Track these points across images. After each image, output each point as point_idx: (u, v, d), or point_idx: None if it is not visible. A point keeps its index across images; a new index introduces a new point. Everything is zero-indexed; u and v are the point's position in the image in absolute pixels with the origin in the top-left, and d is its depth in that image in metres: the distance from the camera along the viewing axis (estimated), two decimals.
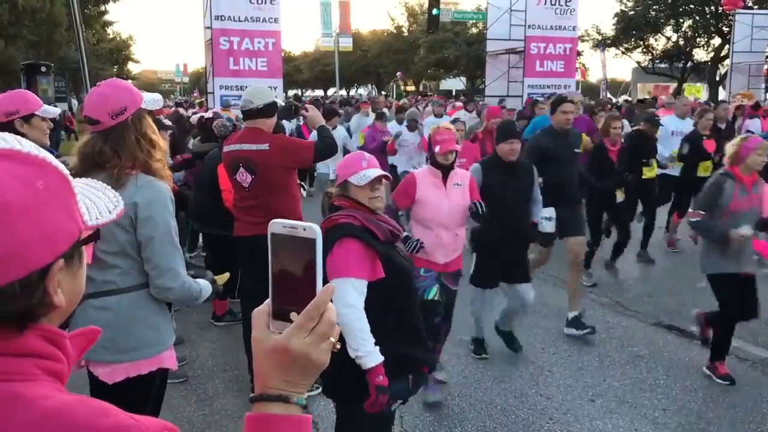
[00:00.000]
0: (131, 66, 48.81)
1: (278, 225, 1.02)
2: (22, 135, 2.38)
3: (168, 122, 6.56)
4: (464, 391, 4.85)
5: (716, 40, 33.73)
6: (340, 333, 1.06)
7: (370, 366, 2.74)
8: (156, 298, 2.75)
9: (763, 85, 21.05)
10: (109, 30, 42.86)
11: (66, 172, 0.93)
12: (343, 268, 2.76)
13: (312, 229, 1.00)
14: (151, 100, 2.83)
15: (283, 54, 18.59)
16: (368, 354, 2.74)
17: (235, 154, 4.55)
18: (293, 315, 1.01)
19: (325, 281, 1.06)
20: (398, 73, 39.47)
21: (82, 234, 0.95)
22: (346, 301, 2.74)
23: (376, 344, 2.76)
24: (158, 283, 2.69)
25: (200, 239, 8.07)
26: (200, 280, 2.91)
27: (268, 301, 1.05)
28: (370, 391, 2.74)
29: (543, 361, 5.36)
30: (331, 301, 1.03)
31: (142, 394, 2.73)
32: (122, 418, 0.88)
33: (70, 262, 0.94)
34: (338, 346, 1.05)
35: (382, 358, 2.75)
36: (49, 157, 0.91)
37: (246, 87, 8.37)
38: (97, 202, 1.01)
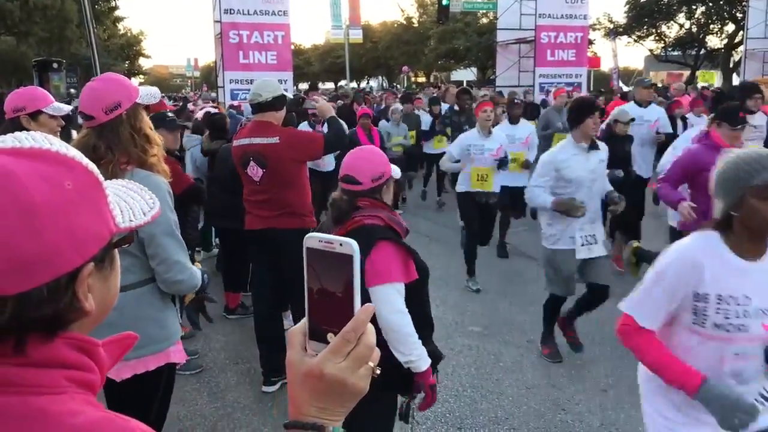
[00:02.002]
0: (142, 61, 49.04)
1: (314, 239, 0.95)
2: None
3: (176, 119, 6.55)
4: (475, 382, 4.85)
5: (730, 27, 33.35)
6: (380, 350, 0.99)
7: (424, 369, 2.74)
8: (160, 293, 2.76)
9: None
10: (120, 25, 43.03)
11: (96, 172, 0.90)
12: (385, 273, 2.66)
13: (349, 244, 0.93)
14: (148, 94, 2.81)
15: (293, 47, 18.59)
16: (420, 357, 2.73)
17: (246, 148, 4.55)
18: (330, 336, 0.94)
19: (362, 291, 0.98)
20: (404, 68, 39.30)
21: (114, 237, 0.92)
22: (393, 307, 2.67)
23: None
24: (167, 278, 2.70)
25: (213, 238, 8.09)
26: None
27: (304, 320, 0.98)
28: (424, 391, 2.76)
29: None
30: (372, 319, 0.95)
31: (150, 389, 2.74)
32: None
33: (101, 266, 0.91)
34: (377, 372, 0.98)
35: (430, 360, 2.76)
36: (79, 156, 0.88)
37: (256, 80, 8.42)
38: (132, 203, 0.97)
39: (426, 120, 11.39)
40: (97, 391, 0.92)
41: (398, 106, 11.05)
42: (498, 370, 5.04)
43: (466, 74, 48.17)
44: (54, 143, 0.87)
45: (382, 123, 10.86)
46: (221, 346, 5.68)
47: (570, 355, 5.26)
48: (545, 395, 4.64)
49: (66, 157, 0.86)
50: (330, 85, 52.50)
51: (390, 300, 2.66)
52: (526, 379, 4.88)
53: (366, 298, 1.01)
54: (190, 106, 14.24)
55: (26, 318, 0.81)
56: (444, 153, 7.63)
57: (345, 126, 4.90)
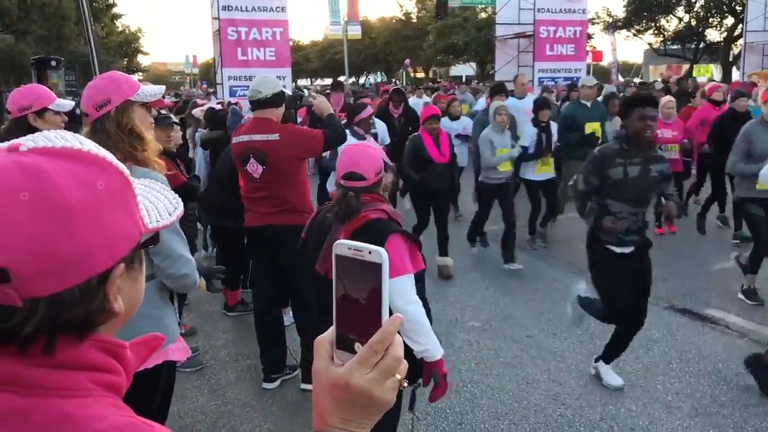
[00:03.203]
0: (141, 58, 48.96)
1: (343, 247, 0.93)
2: (36, 129, 2.39)
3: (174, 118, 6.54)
4: (475, 378, 4.85)
5: (729, 20, 33.30)
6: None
7: (438, 358, 2.80)
8: (159, 291, 2.75)
9: None
10: (118, 23, 42.96)
11: (126, 171, 0.89)
12: (399, 265, 2.68)
13: (378, 253, 0.91)
14: (149, 92, 2.81)
15: (291, 43, 18.58)
16: (435, 346, 2.79)
17: (245, 145, 4.55)
18: (357, 346, 0.92)
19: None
20: (406, 61, 39.27)
21: (143, 237, 0.91)
22: (409, 298, 2.71)
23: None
24: (173, 273, 2.69)
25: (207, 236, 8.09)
26: None
27: (332, 329, 0.96)
28: (437, 380, 2.81)
29: (555, 347, 5.34)
30: (398, 332, 0.93)
31: (149, 388, 2.74)
32: None
33: (130, 266, 0.91)
34: (405, 384, 0.95)
35: (442, 350, 2.82)
36: (110, 156, 0.88)
37: (254, 77, 8.39)
38: (156, 203, 0.97)
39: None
40: (122, 394, 0.91)
41: (499, 102, 8.04)
42: (498, 366, 5.04)
43: (465, 69, 48.14)
44: (85, 143, 0.86)
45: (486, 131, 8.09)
46: (221, 343, 5.69)
47: (571, 351, 5.26)
48: (545, 390, 4.65)
49: (97, 156, 0.86)
50: (329, 81, 52.38)
51: (405, 291, 2.71)
52: (526, 374, 4.89)
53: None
54: (198, 101, 14.24)
55: (58, 319, 0.81)
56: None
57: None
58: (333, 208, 2.84)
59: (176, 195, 1.02)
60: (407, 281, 2.72)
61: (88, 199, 0.81)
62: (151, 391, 2.76)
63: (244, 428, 4.27)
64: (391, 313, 0.92)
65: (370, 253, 0.91)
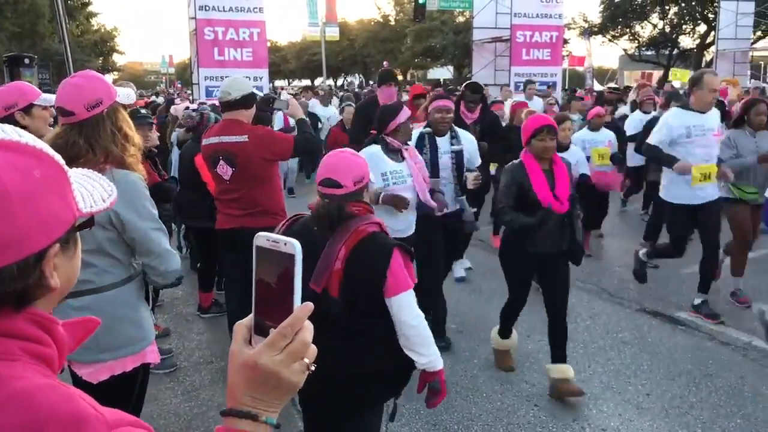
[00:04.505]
0: (116, 57, 48.36)
1: (262, 238, 1.01)
2: (24, 127, 2.37)
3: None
4: (450, 379, 4.85)
5: (702, 27, 33.80)
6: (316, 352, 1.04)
7: (440, 367, 2.82)
8: (136, 293, 2.76)
9: (748, 72, 21.15)
10: (94, 21, 42.44)
11: (62, 161, 0.97)
12: (403, 281, 2.68)
13: (292, 244, 0.98)
14: (125, 94, 2.81)
15: (268, 44, 18.52)
16: (437, 356, 2.82)
17: (215, 147, 4.53)
18: (272, 331, 0.99)
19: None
20: (384, 63, 39.36)
21: (77, 221, 1.00)
22: (414, 312, 2.72)
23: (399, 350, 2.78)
24: (163, 269, 2.74)
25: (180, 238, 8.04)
26: None
27: (251, 315, 1.04)
28: (438, 388, 2.84)
29: (528, 348, 5.39)
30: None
31: (126, 390, 2.74)
32: (83, 407, 0.88)
33: (65, 246, 0.98)
34: (313, 368, 1.03)
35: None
36: (46, 148, 0.95)
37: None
38: (92, 191, 1.04)
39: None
40: (55, 367, 0.97)
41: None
42: (473, 367, 5.07)
43: (442, 72, 48.29)
44: (23, 135, 0.94)
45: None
46: (195, 344, 5.65)
47: (544, 352, 5.31)
48: (519, 391, 4.69)
49: (34, 148, 0.93)
50: (306, 83, 52.23)
51: (411, 305, 2.71)
52: (500, 376, 4.92)
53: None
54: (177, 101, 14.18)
55: None
56: None
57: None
58: (317, 220, 2.73)
59: (111, 183, 1.09)
60: (411, 296, 2.72)
61: (25, 186, 0.89)
62: (129, 393, 2.76)
63: None
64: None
65: (285, 244, 0.98)
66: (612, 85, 27.68)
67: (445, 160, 5.16)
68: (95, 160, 2.54)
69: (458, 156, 5.22)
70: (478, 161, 5.47)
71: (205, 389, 4.81)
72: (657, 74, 35.52)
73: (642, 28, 36.46)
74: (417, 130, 5.16)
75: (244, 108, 4.53)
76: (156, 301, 5.90)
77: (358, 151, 4.12)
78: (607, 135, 8.11)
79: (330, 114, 14.28)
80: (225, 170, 4.49)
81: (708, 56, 31.90)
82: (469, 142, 5.37)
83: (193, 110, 6.40)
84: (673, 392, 4.65)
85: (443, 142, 5.19)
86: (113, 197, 1.06)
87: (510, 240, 4.68)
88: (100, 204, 1.03)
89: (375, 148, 4.55)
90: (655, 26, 36.03)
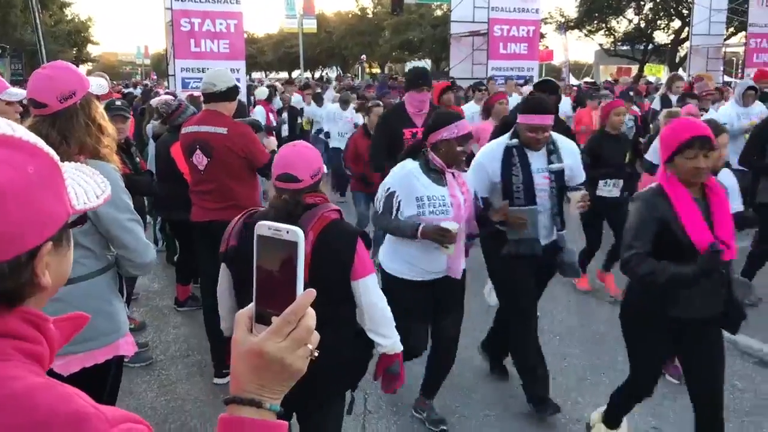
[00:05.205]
0: (91, 48, 47.70)
1: (263, 227, 1.01)
2: None
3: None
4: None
5: (676, 23, 34.22)
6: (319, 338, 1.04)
7: (400, 350, 2.88)
8: (109, 285, 2.74)
9: (721, 68, 21.43)
10: (67, 11, 41.80)
11: (56, 157, 0.95)
12: (368, 264, 2.76)
13: (295, 232, 0.99)
14: (97, 84, 2.77)
15: (245, 36, 18.40)
16: (398, 339, 2.88)
17: (193, 136, 4.51)
18: (274, 319, 0.99)
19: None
20: (362, 57, 39.34)
21: (71, 218, 0.97)
22: (379, 294, 2.80)
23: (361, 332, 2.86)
24: (139, 262, 2.74)
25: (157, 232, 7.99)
26: None
27: (252, 305, 1.03)
28: (397, 371, 2.92)
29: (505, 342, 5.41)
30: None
31: (98, 383, 2.71)
32: (83, 406, 0.88)
33: (58, 244, 0.96)
34: (316, 354, 1.03)
35: None
36: (40, 143, 0.93)
37: (208, 69, 8.27)
38: (85, 187, 1.02)
39: None
40: (45, 364, 0.97)
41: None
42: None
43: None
44: (17, 130, 0.91)
45: None
46: (172, 338, 5.62)
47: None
48: (495, 384, 4.72)
49: (28, 142, 0.91)
50: (284, 75, 51.99)
51: (377, 287, 2.80)
52: (476, 368, 4.96)
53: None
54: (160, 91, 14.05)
55: None
56: None
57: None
58: (275, 214, 2.67)
59: (104, 179, 1.08)
60: (375, 279, 2.80)
61: (19, 182, 0.87)
62: (101, 385, 2.74)
63: (194, 423, 4.24)
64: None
65: (287, 232, 0.99)
66: (588, 79, 27.90)
67: (539, 182, 3.99)
68: (69, 153, 2.51)
69: (558, 177, 4.06)
70: (582, 177, 4.29)
71: (182, 383, 4.78)
72: (634, 69, 35.91)
73: (618, 23, 36.86)
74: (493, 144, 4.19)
75: (226, 100, 4.52)
76: (131, 294, 5.85)
77: (382, 178, 3.94)
78: None
79: (331, 113, 12.08)
80: (200, 160, 4.48)
81: (682, 52, 32.26)
82: (570, 154, 4.17)
83: (173, 99, 6.35)
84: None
85: (537, 158, 4.03)
86: (107, 194, 1.04)
87: (641, 300, 3.36)
88: (94, 201, 1.01)
89: (412, 165, 3.73)
90: (630, 21, 36.43)
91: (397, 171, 3.76)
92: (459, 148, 3.64)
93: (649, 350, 3.45)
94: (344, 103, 11.79)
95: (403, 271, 3.86)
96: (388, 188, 3.73)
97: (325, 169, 2.92)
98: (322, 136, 12.44)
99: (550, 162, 4.04)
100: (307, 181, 2.71)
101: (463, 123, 3.68)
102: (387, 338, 2.83)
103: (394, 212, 3.72)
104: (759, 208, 5.94)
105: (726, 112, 8.21)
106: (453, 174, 3.73)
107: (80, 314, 1.08)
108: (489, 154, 4.12)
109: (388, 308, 2.84)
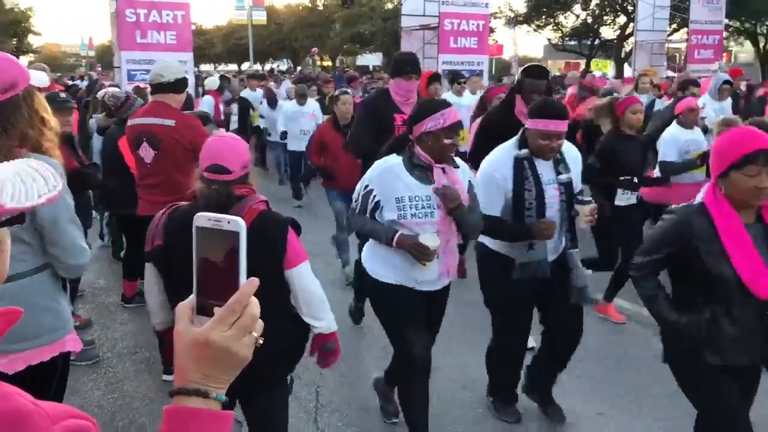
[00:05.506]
0: (32, 39, 46.30)
1: (203, 218, 1.01)
2: None
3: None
4: (382, 364, 4.90)
5: (622, 19, 34.89)
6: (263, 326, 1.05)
7: (335, 329, 2.95)
8: (53, 281, 2.67)
9: (665, 63, 21.94)
10: (7, 0, 40.49)
11: None
12: (301, 251, 2.80)
13: (236, 222, 0.99)
14: (37, 78, 2.70)
15: (193, 27, 18.09)
16: (332, 318, 2.93)
17: (140, 128, 4.44)
18: (217, 310, 0.99)
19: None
20: (313, 50, 39.13)
21: (2, 216, 0.92)
22: (313, 278, 2.85)
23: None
24: (70, 263, 2.65)
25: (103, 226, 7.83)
26: None
27: (192, 297, 1.03)
28: (333, 348, 2.97)
29: (459, 334, 5.45)
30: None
31: (44, 381, 2.65)
32: (23, 404, 0.85)
33: None
34: (261, 342, 1.03)
35: None
36: None
37: (154, 61, 8.12)
38: (30, 184, 0.96)
39: None
40: None
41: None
42: None
43: (372, 59, 48.30)
44: None
45: None
46: (119, 335, 5.51)
47: (471, 329, 5.39)
48: (449, 375, 4.75)
49: None
50: (233, 67, 51.35)
51: (311, 274, 2.84)
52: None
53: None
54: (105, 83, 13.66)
55: None
56: None
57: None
58: (205, 206, 2.56)
59: (58, 179, 1.01)
60: (308, 265, 2.84)
61: None
62: (47, 384, 2.67)
63: (143, 421, 4.17)
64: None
65: (228, 222, 0.99)
66: None
67: (550, 194, 3.67)
68: (8, 145, 2.42)
69: (567, 188, 3.73)
70: (579, 186, 3.96)
71: (130, 380, 4.70)
72: (581, 64, 36.55)
73: (565, 18, 37.41)
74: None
75: (175, 92, 4.46)
76: (76, 291, 5.72)
77: (367, 167, 3.59)
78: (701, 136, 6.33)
79: (288, 111, 10.84)
80: (147, 152, 4.40)
81: (627, 47, 32.95)
82: (574, 161, 3.85)
83: (121, 92, 6.22)
84: (591, 373, 4.81)
85: (545, 168, 3.69)
86: (52, 194, 0.98)
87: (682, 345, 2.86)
88: (34, 200, 0.94)
89: (395, 161, 3.39)
90: (577, 17, 37.00)
91: (377, 167, 3.43)
92: (447, 141, 3.26)
93: (720, 399, 2.79)
94: (301, 98, 10.73)
95: (390, 276, 3.50)
96: (367, 185, 3.43)
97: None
98: (277, 139, 11.37)
99: (558, 172, 3.70)
100: (238, 173, 2.69)
101: (450, 111, 3.28)
102: (322, 320, 2.89)
103: (370, 211, 3.42)
104: None
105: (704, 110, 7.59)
106: (443, 169, 3.35)
107: (13, 309, 1.05)
108: (498, 164, 3.69)
109: (322, 290, 2.88)
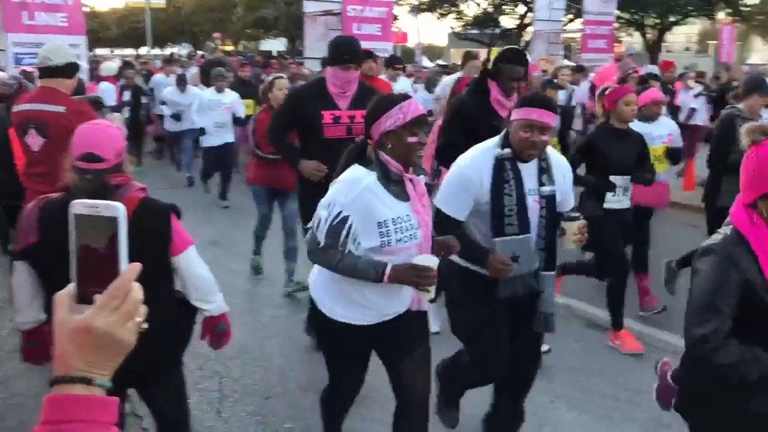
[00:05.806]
0: None
1: (80, 205, 0.98)
2: None
3: None
4: (286, 351, 4.92)
5: (521, 8, 35.88)
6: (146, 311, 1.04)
7: (226, 310, 2.96)
8: None
9: (561, 52, 22.72)
10: None
11: None
12: (186, 237, 2.78)
13: (114, 207, 0.98)
14: None
15: (87, 9, 17.31)
16: (222, 300, 2.94)
17: (26, 114, 4.23)
18: (97, 297, 0.98)
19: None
20: (215, 34, 38.21)
21: None
22: (201, 263, 2.84)
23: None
24: None
25: None
26: None
27: (71, 285, 1.01)
28: (225, 329, 2.98)
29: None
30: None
31: None
32: None
33: None
34: (145, 326, 1.03)
35: None
36: None
37: (43, 44, 7.71)
38: None
39: None
40: None
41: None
42: (308, 339, 5.07)
43: (275, 44, 47.62)
44: None
45: None
46: (8, 332, 5.25)
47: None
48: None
49: None
50: (129, 52, 49.46)
51: (197, 257, 2.83)
52: None
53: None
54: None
55: None
56: None
57: None
58: (80, 196, 2.50)
59: None
60: (194, 249, 2.82)
61: None
62: None
63: (35, 420, 3.97)
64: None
65: (106, 208, 0.98)
66: (440, 62, 28.72)
67: (530, 205, 3.19)
68: None
69: (549, 202, 3.23)
70: (572, 203, 3.45)
71: (20, 378, 4.49)
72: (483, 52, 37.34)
73: (467, 7, 38.11)
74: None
75: (65, 77, 4.27)
76: None
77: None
78: (667, 126, 5.86)
79: (204, 100, 9.63)
80: (34, 140, 4.20)
81: (526, 36, 33.92)
82: (562, 170, 3.34)
83: (12, 77, 5.87)
84: (561, 378, 4.88)
85: (528, 176, 3.20)
86: None
87: (721, 397, 2.33)
88: None
89: (368, 178, 2.73)
90: (479, 5, 37.76)
91: (349, 187, 2.71)
92: (411, 139, 2.70)
93: None
94: (220, 84, 9.48)
95: (351, 316, 2.88)
96: (339, 212, 2.69)
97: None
98: (190, 126, 10.43)
99: (541, 183, 3.20)
100: (112, 161, 2.60)
101: (409, 104, 2.73)
102: (212, 303, 2.89)
103: (347, 244, 2.71)
104: None
105: None
106: (411, 180, 2.81)
107: None
108: (475, 164, 3.19)
109: (210, 273, 2.86)
